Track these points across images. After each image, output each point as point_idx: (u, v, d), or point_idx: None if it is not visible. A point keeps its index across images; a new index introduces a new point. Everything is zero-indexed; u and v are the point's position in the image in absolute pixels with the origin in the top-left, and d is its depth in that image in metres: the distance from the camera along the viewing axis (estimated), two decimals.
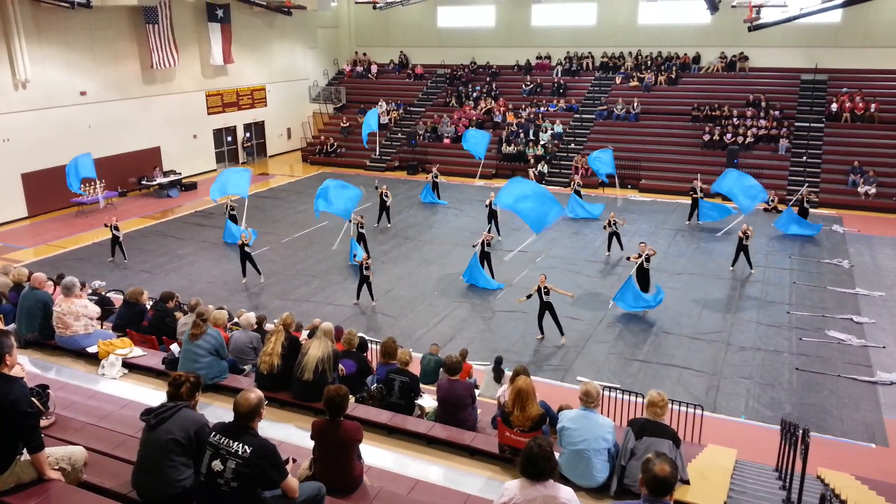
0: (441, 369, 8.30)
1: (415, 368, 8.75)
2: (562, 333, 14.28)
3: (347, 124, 34.74)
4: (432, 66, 37.69)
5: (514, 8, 35.24)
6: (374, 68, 38.46)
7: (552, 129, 30.96)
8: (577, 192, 23.82)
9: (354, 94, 37.16)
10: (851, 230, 21.87)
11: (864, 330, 14.80)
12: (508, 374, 8.94)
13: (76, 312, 8.45)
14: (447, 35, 37.48)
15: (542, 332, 14.44)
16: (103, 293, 13.13)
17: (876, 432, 11.16)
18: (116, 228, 19.10)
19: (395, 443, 6.78)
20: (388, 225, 22.46)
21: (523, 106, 33.01)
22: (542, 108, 32.51)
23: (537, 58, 35.62)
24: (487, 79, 35.58)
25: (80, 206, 24.58)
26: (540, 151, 29.98)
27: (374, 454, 6.24)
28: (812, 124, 28.04)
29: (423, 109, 35.18)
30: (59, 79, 24.55)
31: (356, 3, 36.77)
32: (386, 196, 22.47)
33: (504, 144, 30.74)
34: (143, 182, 27.61)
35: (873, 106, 27.65)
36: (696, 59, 32.46)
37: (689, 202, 23.07)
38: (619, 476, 5.79)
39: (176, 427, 4.67)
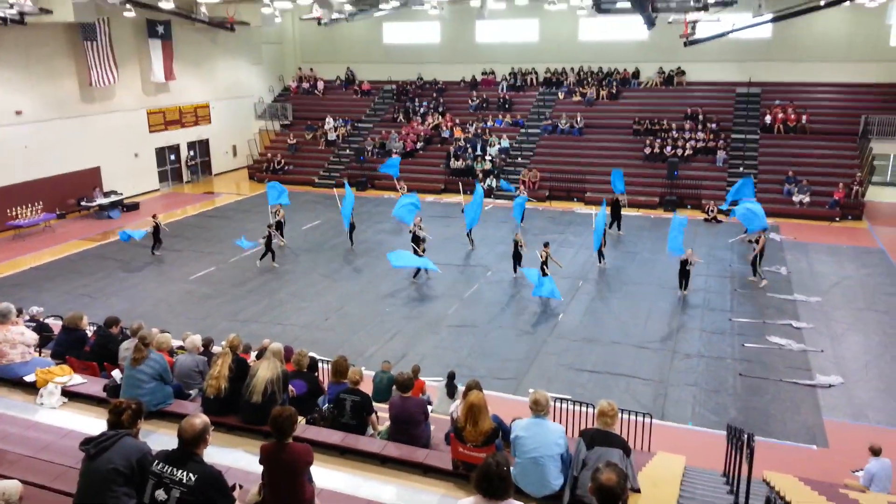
0: (393, 387, 8.25)
1: (367, 387, 8.68)
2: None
3: (294, 141, 34.46)
4: (379, 81, 37.75)
5: (459, 24, 35.49)
6: (320, 84, 38.27)
7: (499, 143, 31.30)
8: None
9: (301, 110, 36.94)
10: (788, 238, 22.64)
11: (803, 334, 15.32)
12: (461, 389, 8.94)
13: (12, 340, 8.13)
14: (393, 51, 37.62)
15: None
16: (41, 319, 12.64)
17: (817, 434, 11.53)
18: None
19: (347, 463, 6.69)
20: (283, 242, 22.05)
21: (470, 121, 33.30)
22: (488, 123, 32.85)
23: (482, 73, 36.05)
24: (434, 94, 35.80)
25: (16, 230, 23.70)
26: (488, 166, 30.25)
27: (326, 476, 6.14)
28: (747, 136, 29.09)
29: (371, 125, 35.15)
30: None
31: (301, 19, 36.50)
32: (276, 213, 22.20)
33: (452, 159, 30.92)
34: (83, 203, 26.81)
35: (804, 117, 28.79)
36: (636, 74, 33.33)
37: (609, 212, 22.39)
38: (572, 486, 5.83)
39: (117, 456, 4.53)
